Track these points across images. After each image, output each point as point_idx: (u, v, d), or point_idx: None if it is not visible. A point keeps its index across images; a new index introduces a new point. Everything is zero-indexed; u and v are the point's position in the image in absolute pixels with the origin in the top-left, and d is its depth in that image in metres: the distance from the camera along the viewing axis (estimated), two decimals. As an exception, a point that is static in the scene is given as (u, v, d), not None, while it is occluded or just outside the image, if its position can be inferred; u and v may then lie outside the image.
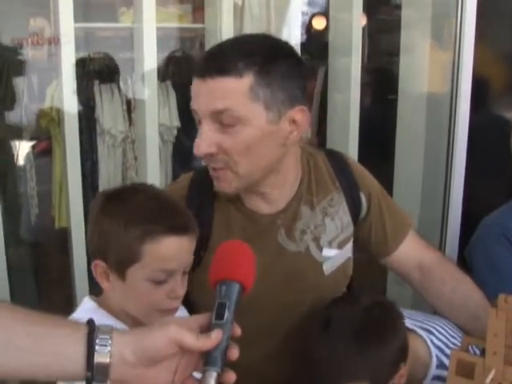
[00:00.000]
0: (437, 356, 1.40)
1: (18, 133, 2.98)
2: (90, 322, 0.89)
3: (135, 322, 1.25)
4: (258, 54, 1.29)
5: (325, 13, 3.49)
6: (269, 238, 1.46)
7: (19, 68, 3.12)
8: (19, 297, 2.65)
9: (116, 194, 1.29)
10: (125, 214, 1.22)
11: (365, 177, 1.61)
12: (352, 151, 2.88)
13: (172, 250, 1.22)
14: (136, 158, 2.93)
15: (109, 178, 2.99)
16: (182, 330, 0.87)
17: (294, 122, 1.33)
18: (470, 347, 1.21)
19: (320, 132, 3.53)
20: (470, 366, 1.12)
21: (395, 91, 3.19)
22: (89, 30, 3.30)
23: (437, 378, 1.38)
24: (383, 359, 1.27)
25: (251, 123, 1.28)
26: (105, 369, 0.85)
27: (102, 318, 1.18)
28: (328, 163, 1.55)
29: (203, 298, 1.43)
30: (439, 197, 2.79)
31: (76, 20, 2.40)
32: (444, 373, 1.30)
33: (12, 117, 3.10)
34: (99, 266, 1.25)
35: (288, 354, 1.47)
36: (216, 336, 0.87)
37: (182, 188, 1.50)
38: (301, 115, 1.34)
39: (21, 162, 2.95)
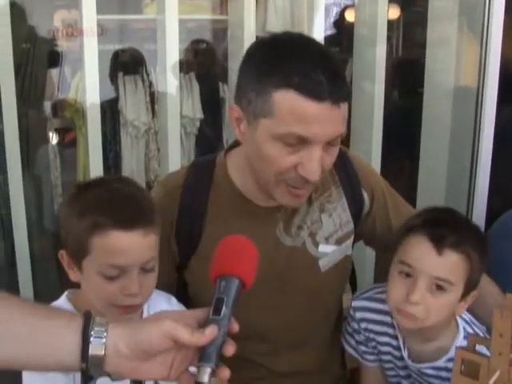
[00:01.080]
0: (464, 328, 1.41)
1: (44, 123, 3.01)
2: (87, 314, 0.89)
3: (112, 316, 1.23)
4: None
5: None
6: (267, 230, 1.44)
7: (52, 59, 3.16)
8: (42, 286, 2.69)
9: (83, 186, 1.29)
10: (79, 205, 1.21)
11: (367, 172, 1.58)
12: (375, 144, 2.86)
13: (120, 244, 1.17)
14: (159, 150, 2.94)
15: (132, 168, 3.01)
16: (176, 325, 0.86)
17: None
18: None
19: (349, 125, 3.50)
20: (475, 365, 1.10)
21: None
22: (118, 22, 3.33)
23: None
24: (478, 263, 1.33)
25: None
26: (99, 361, 0.85)
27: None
28: None
29: (199, 290, 1.45)
30: (464, 190, 2.76)
31: (101, 12, 2.42)
32: None
33: (40, 107, 3.14)
34: (64, 257, 1.25)
35: (284, 347, 1.49)
36: (211, 332, 0.86)
37: (178, 177, 1.48)
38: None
39: (46, 152, 2.98)
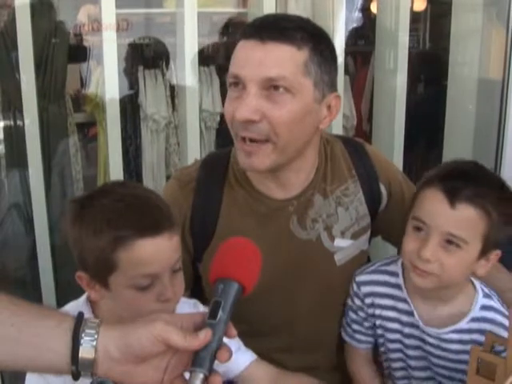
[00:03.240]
0: (481, 289, 1.36)
1: (65, 118, 3.02)
2: (79, 315, 0.86)
3: None
4: (313, 32, 1.30)
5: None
6: (280, 223, 1.42)
7: (75, 54, 3.18)
8: (63, 280, 2.71)
9: (87, 199, 1.17)
10: (93, 220, 1.11)
11: (385, 166, 1.55)
12: (398, 137, 2.83)
13: (148, 252, 1.11)
14: (179, 144, 2.94)
15: (152, 162, 3.02)
16: (168, 328, 0.83)
17: (329, 107, 1.33)
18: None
19: (371, 119, 3.47)
20: (492, 365, 1.07)
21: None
22: (141, 17, 3.33)
23: (484, 307, 1.34)
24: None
25: (300, 96, 1.26)
26: (90, 363, 0.83)
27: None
28: (346, 152, 1.50)
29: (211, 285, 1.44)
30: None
31: (123, 6, 2.43)
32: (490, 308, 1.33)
33: (62, 102, 3.15)
34: (83, 278, 1.15)
35: (297, 343, 1.48)
36: (204, 336, 0.83)
37: (192, 171, 1.47)
38: (335, 102, 1.34)
39: (67, 146, 2.99)
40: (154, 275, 1.12)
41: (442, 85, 3.26)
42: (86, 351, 0.82)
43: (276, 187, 1.40)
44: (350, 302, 1.48)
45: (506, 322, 1.23)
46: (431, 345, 1.36)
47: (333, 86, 1.33)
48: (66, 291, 2.59)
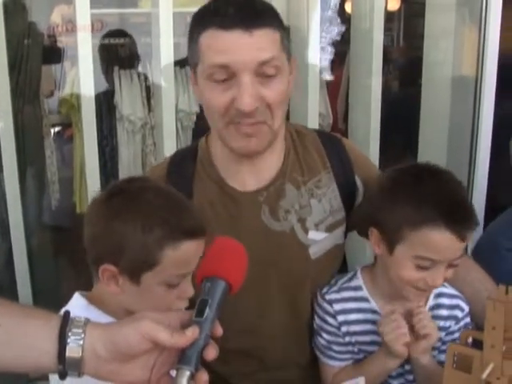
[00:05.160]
0: None
1: (40, 120, 2.99)
2: (65, 314, 0.86)
3: None
4: (272, 9, 1.34)
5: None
6: (252, 216, 1.42)
7: (49, 55, 3.16)
8: (39, 282, 2.68)
9: (123, 193, 1.19)
10: (141, 216, 1.14)
11: (361, 160, 1.56)
12: (373, 136, 2.84)
13: (190, 254, 1.16)
14: (155, 144, 2.93)
15: (129, 163, 3.00)
16: (155, 325, 0.84)
17: (291, 73, 1.38)
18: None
19: (347, 118, 3.49)
20: (468, 359, 1.09)
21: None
22: (116, 17, 3.31)
23: (437, 295, 1.44)
24: None
25: (285, 74, 1.32)
26: (77, 363, 0.83)
27: (94, 316, 1.10)
28: (320, 144, 1.50)
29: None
30: (463, 182, 2.72)
31: (97, 6, 2.42)
32: None
33: (37, 104, 3.12)
34: (108, 270, 1.16)
35: (273, 338, 1.48)
36: (191, 333, 0.84)
37: (162, 168, 1.48)
38: (294, 66, 1.39)
39: (42, 148, 2.97)
40: (186, 275, 1.18)
41: (417, 84, 3.29)
42: (72, 350, 0.83)
43: (247, 176, 1.42)
44: (320, 323, 1.47)
45: (461, 306, 1.43)
46: None
47: (290, 51, 1.38)
48: (43, 296, 2.58)
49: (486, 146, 2.66)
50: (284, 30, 1.33)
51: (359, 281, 1.46)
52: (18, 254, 2.62)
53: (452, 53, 2.99)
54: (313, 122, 2.72)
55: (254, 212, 1.42)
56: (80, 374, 0.85)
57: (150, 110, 2.96)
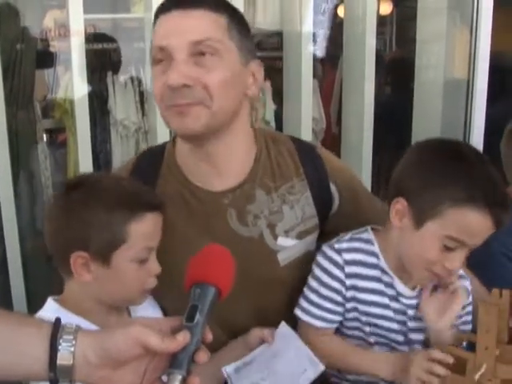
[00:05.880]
0: None
1: (34, 124, 2.99)
2: (56, 321, 0.86)
3: (105, 316, 1.24)
4: (227, 3, 1.36)
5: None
6: (217, 219, 1.40)
7: (43, 59, 3.16)
8: (34, 288, 2.68)
9: (80, 184, 1.26)
10: (102, 199, 1.21)
11: (337, 169, 1.52)
12: (366, 140, 2.86)
13: (153, 226, 1.25)
14: (149, 149, 2.94)
15: (122, 168, 3.00)
16: (146, 331, 0.83)
17: (253, 75, 1.36)
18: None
19: (340, 122, 3.51)
20: (462, 361, 1.10)
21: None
22: (109, 22, 3.31)
23: None
24: None
25: (227, 59, 1.29)
26: (68, 370, 0.83)
27: (65, 319, 1.18)
28: (294, 150, 1.48)
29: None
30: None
31: (91, 11, 2.43)
32: None
33: (30, 108, 3.12)
34: (80, 257, 1.21)
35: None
36: (182, 338, 0.83)
37: (128, 165, 1.48)
38: (258, 70, 1.38)
39: (36, 153, 2.97)
40: (151, 249, 1.26)
41: (409, 87, 3.31)
42: (63, 357, 0.83)
43: (211, 174, 1.39)
44: (321, 276, 1.39)
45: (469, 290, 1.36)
46: (408, 306, 1.38)
47: (254, 54, 1.37)
48: (38, 299, 2.57)
49: (478, 148, 2.67)
50: (237, 22, 1.33)
51: (370, 235, 1.40)
52: (12, 258, 2.62)
53: (444, 56, 3.01)
54: (306, 127, 2.74)
55: (219, 214, 1.40)
56: (72, 382, 0.85)
57: (143, 114, 2.96)
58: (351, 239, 1.40)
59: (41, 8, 3.20)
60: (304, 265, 1.45)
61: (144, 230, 1.23)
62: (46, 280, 2.85)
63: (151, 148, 1.61)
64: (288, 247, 1.43)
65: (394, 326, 1.39)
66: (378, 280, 1.37)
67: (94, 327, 1.19)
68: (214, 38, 1.26)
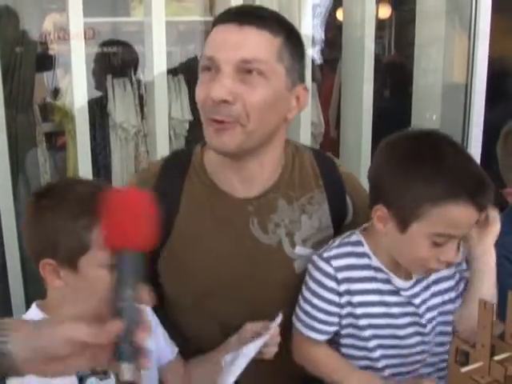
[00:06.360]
0: None
1: (34, 128, 3.00)
2: None
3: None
4: (286, 23, 1.37)
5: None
6: (240, 224, 1.43)
7: (42, 63, 3.16)
8: (33, 294, 2.68)
9: (48, 191, 1.28)
10: (69, 206, 1.22)
11: (352, 182, 1.57)
12: (365, 144, 2.86)
13: None
14: (148, 152, 2.94)
15: (121, 171, 3.00)
16: (75, 327, 0.82)
17: (297, 98, 1.38)
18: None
19: (339, 126, 3.51)
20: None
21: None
22: (109, 25, 3.32)
23: None
24: None
25: (273, 81, 1.30)
26: (6, 366, 0.83)
27: None
28: (315, 162, 1.52)
29: (168, 284, 1.45)
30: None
31: (90, 15, 2.44)
32: None
33: (30, 112, 3.12)
34: (48, 264, 1.22)
35: None
36: (113, 328, 0.81)
37: (156, 166, 1.49)
38: (304, 94, 1.39)
39: (36, 156, 2.97)
40: None
41: (408, 91, 3.32)
42: (3, 355, 0.82)
43: (238, 182, 1.41)
44: (314, 287, 1.38)
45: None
46: (411, 296, 1.38)
47: (302, 78, 1.39)
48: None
49: (477, 152, 2.68)
50: (292, 44, 1.34)
51: (359, 237, 1.40)
52: (11, 264, 2.62)
53: (442, 60, 3.01)
54: (305, 131, 2.74)
55: (242, 219, 1.42)
56: (7, 377, 0.85)
57: (143, 117, 2.96)
58: (340, 245, 1.40)
59: (40, 11, 3.19)
60: None
61: None
62: (45, 286, 2.85)
63: (179, 150, 1.64)
64: (304, 256, 1.45)
65: (400, 320, 1.39)
66: (373, 279, 1.38)
67: None
68: (262, 60, 1.28)
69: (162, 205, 1.37)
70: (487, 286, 1.36)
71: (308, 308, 1.40)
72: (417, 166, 1.25)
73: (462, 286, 1.43)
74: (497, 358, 1.05)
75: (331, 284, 1.37)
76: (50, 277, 1.23)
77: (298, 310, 1.43)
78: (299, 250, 1.45)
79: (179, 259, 1.42)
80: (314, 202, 1.48)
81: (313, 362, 1.43)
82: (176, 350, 1.45)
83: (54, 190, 1.28)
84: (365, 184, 1.57)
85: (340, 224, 1.52)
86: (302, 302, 1.42)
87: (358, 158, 2.87)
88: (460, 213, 1.23)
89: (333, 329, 1.41)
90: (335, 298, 1.37)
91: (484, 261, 1.36)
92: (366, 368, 1.42)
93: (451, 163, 1.24)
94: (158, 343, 1.40)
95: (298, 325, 1.42)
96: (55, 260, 1.22)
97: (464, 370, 1.02)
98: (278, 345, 1.34)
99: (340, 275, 1.37)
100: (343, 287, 1.37)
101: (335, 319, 1.39)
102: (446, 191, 1.22)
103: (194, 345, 1.48)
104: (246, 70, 1.27)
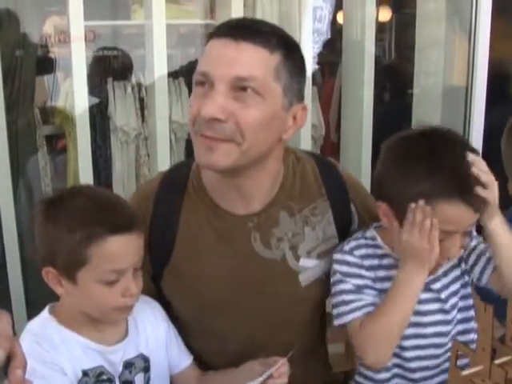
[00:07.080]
0: None
1: (34, 130, 3.00)
2: None
3: (95, 325, 1.26)
4: (286, 39, 1.30)
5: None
6: (241, 241, 1.39)
7: (43, 66, 3.17)
8: (33, 295, 2.68)
9: (57, 199, 1.26)
10: (66, 218, 1.20)
11: (355, 187, 1.53)
12: (365, 148, 2.86)
13: (118, 249, 1.20)
14: (149, 155, 2.94)
15: (122, 174, 3.01)
16: None
17: (295, 118, 1.32)
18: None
19: (339, 129, 3.51)
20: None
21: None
22: (109, 29, 3.33)
23: None
24: None
25: (268, 100, 1.24)
26: None
27: (50, 328, 1.23)
28: (317, 170, 1.47)
29: (174, 302, 1.43)
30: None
31: (91, 18, 2.44)
32: None
33: (30, 114, 3.13)
34: (50, 272, 1.22)
35: (266, 353, 1.38)
36: None
37: (153, 185, 1.45)
38: (302, 113, 1.33)
39: (36, 159, 2.97)
40: (121, 271, 1.21)
41: (408, 94, 3.32)
42: None
43: (237, 200, 1.37)
44: (343, 272, 1.37)
45: None
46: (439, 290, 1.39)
47: (301, 97, 1.32)
48: (37, 308, 2.56)
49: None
50: (290, 62, 1.27)
51: (372, 232, 1.41)
52: (11, 265, 2.62)
53: (443, 63, 3.02)
54: (305, 134, 2.74)
55: (243, 238, 1.39)
56: None
57: (143, 120, 2.97)
58: (356, 238, 1.41)
59: (41, 14, 3.21)
60: (325, 284, 1.44)
61: (106, 253, 1.19)
62: (45, 287, 2.84)
63: (177, 165, 1.56)
64: (309, 268, 1.43)
65: (432, 306, 1.39)
66: (394, 267, 1.37)
67: (81, 338, 1.24)
68: (258, 78, 1.22)
69: (162, 226, 1.39)
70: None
71: (349, 296, 1.36)
72: (410, 165, 1.27)
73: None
74: (497, 361, 1.05)
75: (360, 271, 1.37)
76: (52, 284, 1.24)
77: (338, 309, 1.37)
78: (303, 261, 1.42)
79: (181, 278, 1.40)
80: (318, 212, 1.44)
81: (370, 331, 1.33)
82: (191, 358, 1.42)
83: (59, 199, 1.25)
84: (365, 186, 1.59)
85: (345, 231, 1.48)
86: (336, 295, 1.38)
87: (359, 160, 2.87)
88: (452, 211, 1.24)
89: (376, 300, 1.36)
90: (368, 282, 1.37)
91: (497, 232, 1.32)
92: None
93: (443, 162, 1.25)
94: (171, 352, 1.38)
95: (342, 317, 1.36)
96: (56, 269, 1.21)
97: (464, 373, 1.02)
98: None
99: (366, 262, 1.38)
100: (372, 274, 1.37)
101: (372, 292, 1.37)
102: (438, 191, 1.23)
103: (197, 361, 1.44)
104: (240, 87, 1.22)
